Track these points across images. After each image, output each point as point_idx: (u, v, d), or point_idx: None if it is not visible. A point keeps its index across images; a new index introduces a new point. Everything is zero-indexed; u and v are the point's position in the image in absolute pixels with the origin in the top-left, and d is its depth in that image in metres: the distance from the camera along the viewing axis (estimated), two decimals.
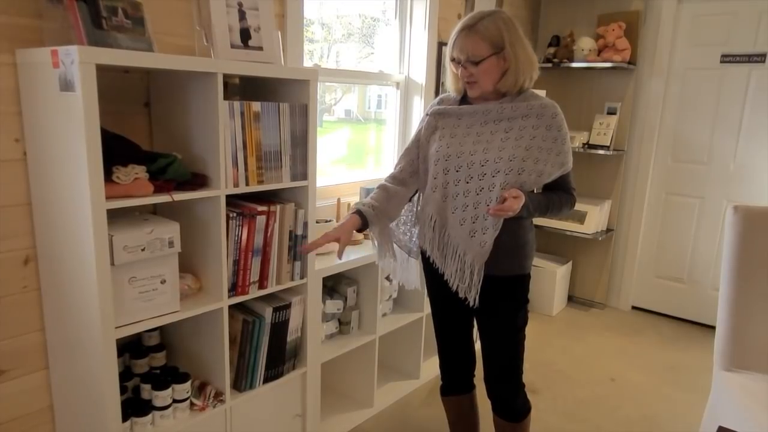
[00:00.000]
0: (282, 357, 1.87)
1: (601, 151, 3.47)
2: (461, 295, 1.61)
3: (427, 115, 1.72)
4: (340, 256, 1.51)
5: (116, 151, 1.40)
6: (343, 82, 2.72)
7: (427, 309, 2.58)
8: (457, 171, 1.59)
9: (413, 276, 1.85)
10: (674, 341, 3.31)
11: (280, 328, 1.82)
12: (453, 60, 1.59)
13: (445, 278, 1.64)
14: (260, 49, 1.69)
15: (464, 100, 1.69)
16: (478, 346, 1.79)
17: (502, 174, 1.52)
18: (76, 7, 1.30)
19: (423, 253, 1.74)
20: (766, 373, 1.82)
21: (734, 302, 1.89)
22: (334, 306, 2.21)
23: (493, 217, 1.53)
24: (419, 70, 2.88)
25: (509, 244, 1.60)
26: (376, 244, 1.75)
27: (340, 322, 2.29)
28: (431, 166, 1.64)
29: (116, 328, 1.40)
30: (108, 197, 1.31)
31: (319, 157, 2.04)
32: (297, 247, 1.82)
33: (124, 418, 1.50)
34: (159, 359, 1.75)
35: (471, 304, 1.60)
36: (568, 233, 3.59)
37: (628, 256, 3.73)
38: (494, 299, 1.64)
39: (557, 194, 1.63)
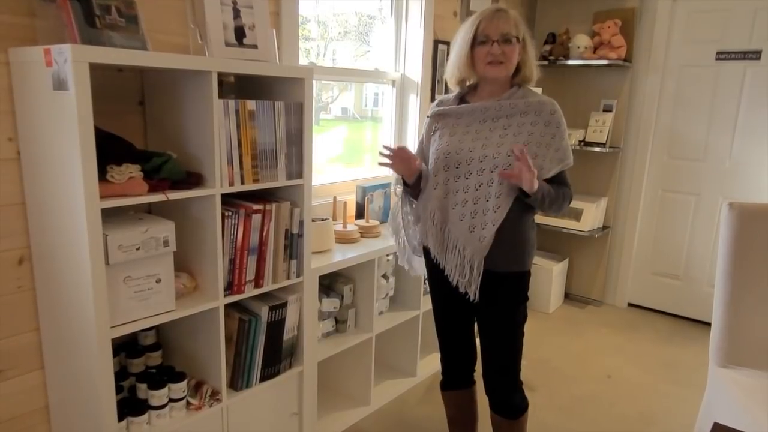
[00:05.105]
0: (278, 356, 1.86)
1: (597, 149, 3.48)
2: (461, 289, 1.63)
3: (427, 117, 1.75)
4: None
5: (110, 150, 1.39)
6: (338, 80, 2.71)
7: (424, 307, 2.58)
8: (456, 167, 1.61)
9: (417, 263, 1.88)
10: (670, 338, 3.32)
11: (276, 327, 1.82)
12: (477, 42, 1.57)
13: (446, 273, 1.66)
14: (255, 47, 1.69)
15: (462, 100, 1.71)
16: (479, 341, 1.80)
17: (501, 169, 1.54)
18: (69, 5, 1.29)
19: (426, 250, 1.75)
20: (761, 369, 1.83)
21: (729, 299, 1.90)
22: (330, 304, 2.21)
23: (503, 190, 1.57)
24: (415, 68, 2.88)
25: (510, 240, 1.61)
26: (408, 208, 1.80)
27: (337, 321, 2.29)
28: (432, 163, 1.68)
29: (111, 327, 1.40)
30: (102, 196, 1.31)
31: (316, 155, 2.03)
32: (293, 246, 1.82)
33: (120, 418, 1.50)
34: (155, 358, 1.74)
35: (472, 298, 1.62)
36: (564, 231, 3.59)
37: (624, 253, 3.73)
38: (494, 295, 1.65)
39: (559, 187, 1.63)
